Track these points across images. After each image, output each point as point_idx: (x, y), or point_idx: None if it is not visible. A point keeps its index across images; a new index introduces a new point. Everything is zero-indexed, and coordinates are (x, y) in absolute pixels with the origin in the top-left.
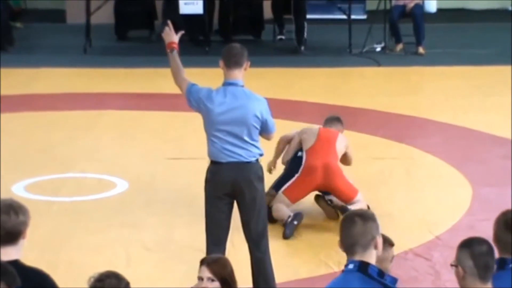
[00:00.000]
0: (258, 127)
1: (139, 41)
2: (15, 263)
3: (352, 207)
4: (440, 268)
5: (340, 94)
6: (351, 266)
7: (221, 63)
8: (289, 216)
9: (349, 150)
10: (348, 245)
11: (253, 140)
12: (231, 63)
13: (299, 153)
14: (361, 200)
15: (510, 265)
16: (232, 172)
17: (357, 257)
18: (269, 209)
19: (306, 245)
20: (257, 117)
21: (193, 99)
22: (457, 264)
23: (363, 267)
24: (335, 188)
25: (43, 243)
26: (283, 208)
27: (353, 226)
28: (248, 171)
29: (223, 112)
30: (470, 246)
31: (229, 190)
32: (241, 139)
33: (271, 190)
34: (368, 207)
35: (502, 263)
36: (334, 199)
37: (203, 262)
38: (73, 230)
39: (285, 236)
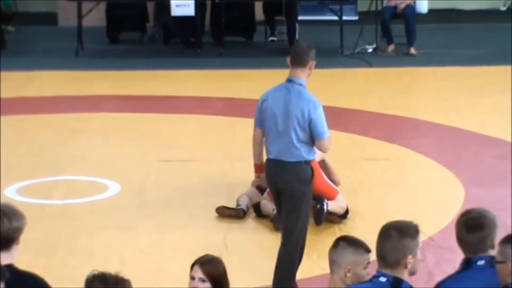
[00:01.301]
0: (305, 127)
1: (131, 44)
2: (9, 268)
3: (332, 203)
4: (433, 269)
5: (332, 95)
6: (383, 279)
7: (287, 60)
8: (273, 210)
9: (327, 159)
10: (380, 257)
11: (299, 140)
12: (294, 61)
13: None
14: (341, 199)
15: (477, 264)
16: (274, 169)
17: (388, 271)
18: (257, 206)
19: None
20: (302, 115)
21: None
22: (504, 260)
23: (396, 283)
24: (314, 189)
25: (36, 247)
26: (267, 204)
27: (387, 240)
28: (288, 171)
29: (271, 106)
30: None
31: (274, 186)
32: (284, 135)
33: (253, 189)
34: (348, 210)
35: (468, 262)
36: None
37: (196, 262)
38: (66, 233)
39: (277, 228)
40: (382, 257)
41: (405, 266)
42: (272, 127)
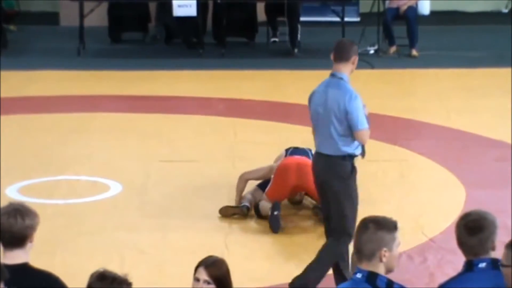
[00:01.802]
0: (342, 119)
1: (133, 44)
2: (24, 266)
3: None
4: (434, 270)
5: None
6: (359, 275)
7: (331, 55)
8: (269, 209)
9: None
10: (356, 250)
11: (338, 133)
12: (337, 56)
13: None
14: None
15: (479, 266)
16: (316, 162)
17: (364, 266)
18: (257, 207)
19: (300, 249)
20: (338, 107)
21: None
22: (508, 264)
23: (371, 278)
24: (309, 188)
25: (37, 246)
26: (265, 204)
27: (363, 232)
28: (325, 164)
29: (314, 100)
30: None
31: (316, 179)
32: (325, 128)
33: (256, 188)
34: None
35: (469, 265)
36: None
37: (201, 263)
38: (67, 233)
39: (274, 231)
40: (358, 249)
41: (380, 259)
42: (316, 121)
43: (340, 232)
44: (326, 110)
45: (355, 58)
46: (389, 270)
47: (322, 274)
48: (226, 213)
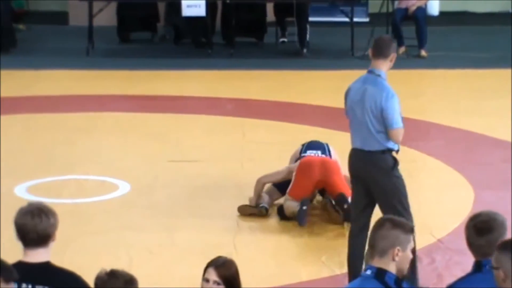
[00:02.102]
0: (379, 116)
1: (142, 44)
2: (47, 265)
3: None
4: (442, 271)
5: (342, 96)
6: (368, 272)
7: (369, 51)
8: (296, 206)
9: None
10: (370, 246)
11: (376, 130)
12: (375, 53)
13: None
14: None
15: (487, 267)
16: (355, 159)
17: (375, 263)
18: (281, 207)
19: (307, 248)
20: (375, 104)
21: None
22: (497, 266)
23: (380, 274)
24: (332, 183)
25: None
26: (291, 203)
27: (379, 228)
28: (368, 160)
29: (351, 96)
30: (510, 248)
31: (356, 176)
32: (363, 125)
33: (273, 188)
34: None
35: (478, 265)
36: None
37: (211, 264)
38: (75, 233)
39: (300, 223)
40: (371, 245)
41: (393, 258)
42: (352, 117)
43: None
44: (363, 107)
45: (393, 56)
46: (400, 271)
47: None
48: (245, 212)
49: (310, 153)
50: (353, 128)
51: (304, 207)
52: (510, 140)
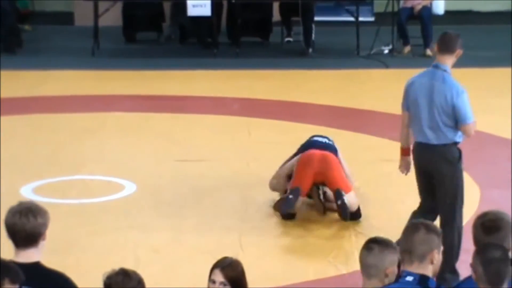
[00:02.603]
0: (449, 112)
1: (147, 44)
2: (36, 265)
3: (350, 195)
4: None
5: (348, 96)
6: (409, 278)
7: (434, 47)
8: (286, 191)
9: (344, 163)
10: (407, 251)
11: (445, 124)
12: (441, 48)
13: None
14: (353, 197)
15: None
16: (421, 152)
17: (414, 269)
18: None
19: (314, 246)
20: (445, 101)
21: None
22: (473, 267)
23: (423, 281)
24: (331, 177)
25: (51, 246)
26: (282, 182)
27: (416, 232)
28: (435, 153)
29: (415, 91)
30: (482, 252)
31: (422, 170)
32: (430, 120)
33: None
34: (359, 208)
35: None
36: (328, 192)
37: (217, 265)
38: (81, 233)
39: (282, 212)
40: (409, 250)
41: (431, 262)
42: (416, 112)
43: (455, 219)
44: (431, 103)
45: (459, 52)
46: (434, 274)
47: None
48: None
49: (317, 137)
50: (415, 122)
51: (291, 196)
52: None
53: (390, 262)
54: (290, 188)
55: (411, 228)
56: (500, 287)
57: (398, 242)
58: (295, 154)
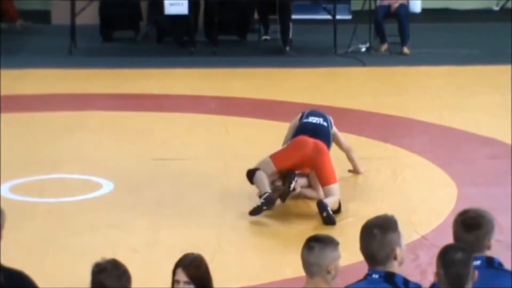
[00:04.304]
0: None
1: (124, 42)
2: None
3: (326, 201)
4: (426, 268)
5: (325, 94)
6: (375, 276)
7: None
8: (264, 194)
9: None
10: (368, 257)
11: None
12: None
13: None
14: (336, 193)
15: (474, 264)
16: None
17: (379, 268)
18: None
19: (292, 245)
20: None
21: None
22: (435, 270)
23: (389, 277)
24: (320, 165)
25: (29, 245)
26: (264, 180)
27: (372, 239)
28: None
29: None
30: (443, 254)
31: None
32: None
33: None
34: (340, 204)
35: None
36: (303, 190)
37: (178, 264)
38: (59, 232)
39: (250, 213)
40: (371, 256)
41: (395, 258)
42: None
43: None
44: None
45: None
46: (400, 264)
47: None
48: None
49: (312, 119)
50: None
51: (265, 207)
52: (493, 137)
53: (331, 259)
54: (271, 158)
55: (366, 234)
56: None
57: None
58: (291, 136)
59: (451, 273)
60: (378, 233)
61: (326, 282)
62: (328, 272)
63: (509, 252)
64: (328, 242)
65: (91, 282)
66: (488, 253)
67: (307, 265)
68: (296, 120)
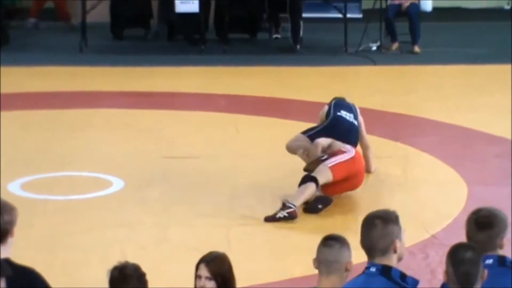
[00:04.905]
0: None
1: (135, 40)
2: (6, 262)
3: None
4: (436, 267)
5: (335, 92)
6: (373, 269)
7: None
8: (290, 207)
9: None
10: (367, 248)
11: None
12: None
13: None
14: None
15: (486, 262)
16: None
17: (377, 261)
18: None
19: (301, 244)
20: None
21: None
22: (445, 268)
23: (386, 271)
24: (359, 184)
25: (38, 242)
26: (306, 195)
27: (373, 229)
28: None
29: None
30: (453, 252)
31: None
32: None
33: (302, 137)
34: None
35: None
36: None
37: (202, 260)
38: (68, 229)
39: (266, 219)
40: (370, 247)
41: (394, 251)
42: None
43: None
44: None
45: None
46: (400, 259)
47: None
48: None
49: (345, 115)
50: None
51: (320, 206)
52: (503, 136)
53: (349, 256)
54: (321, 196)
55: (368, 224)
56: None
57: None
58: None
59: (460, 272)
60: (379, 224)
61: (342, 280)
62: (346, 269)
63: None
64: (345, 241)
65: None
66: (500, 252)
67: (326, 263)
68: (325, 109)
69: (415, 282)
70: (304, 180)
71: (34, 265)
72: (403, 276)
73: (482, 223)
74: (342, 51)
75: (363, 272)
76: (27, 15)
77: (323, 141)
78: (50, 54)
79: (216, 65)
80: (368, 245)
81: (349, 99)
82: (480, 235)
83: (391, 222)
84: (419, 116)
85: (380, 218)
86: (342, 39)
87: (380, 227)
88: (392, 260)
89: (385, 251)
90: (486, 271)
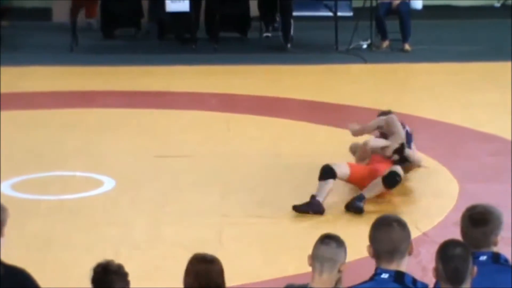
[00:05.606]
0: None
1: (126, 40)
2: None
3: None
4: (427, 264)
5: (326, 91)
6: (384, 275)
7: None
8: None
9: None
10: (386, 251)
11: None
12: None
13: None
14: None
15: (480, 259)
16: None
17: (394, 266)
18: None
19: (294, 242)
20: None
21: None
22: (435, 265)
23: (399, 277)
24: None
25: (30, 242)
26: (327, 190)
27: (393, 232)
28: None
29: None
30: (442, 249)
31: None
32: None
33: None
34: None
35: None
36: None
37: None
38: (61, 229)
39: (294, 208)
40: (393, 250)
41: (410, 253)
42: None
43: None
44: None
45: None
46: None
47: None
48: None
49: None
50: None
51: (361, 205)
52: (494, 133)
53: (344, 258)
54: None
55: (385, 227)
56: (460, 285)
57: None
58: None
59: (449, 268)
60: (397, 226)
61: (332, 282)
62: (339, 271)
63: (509, 248)
64: (342, 242)
65: (95, 282)
66: (495, 249)
67: (321, 260)
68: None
69: (425, 286)
70: (325, 172)
71: (25, 265)
72: (414, 281)
73: (477, 219)
74: (333, 49)
75: (372, 279)
76: (17, 14)
77: (381, 142)
78: (41, 54)
79: (207, 64)
80: (390, 249)
81: (340, 97)
82: (474, 231)
83: (406, 224)
84: (410, 114)
85: (396, 221)
86: (333, 38)
87: (399, 229)
88: (403, 266)
89: (403, 255)
90: (475, 268)
